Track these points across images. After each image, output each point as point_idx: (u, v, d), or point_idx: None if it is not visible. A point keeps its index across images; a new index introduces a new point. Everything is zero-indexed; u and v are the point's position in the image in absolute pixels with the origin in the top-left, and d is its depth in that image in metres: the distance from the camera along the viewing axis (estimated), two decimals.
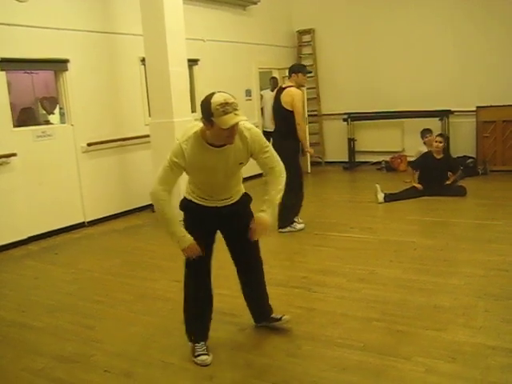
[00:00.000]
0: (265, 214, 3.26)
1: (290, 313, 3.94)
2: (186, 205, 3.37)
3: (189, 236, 3.18)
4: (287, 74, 6.52)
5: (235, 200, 3.37)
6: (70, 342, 3.80)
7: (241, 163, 3.18)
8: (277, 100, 6.25)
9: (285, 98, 6.09)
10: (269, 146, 3.25)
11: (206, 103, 2.87)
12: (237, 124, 2.92)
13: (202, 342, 3.43)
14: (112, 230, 7.07)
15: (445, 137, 8.05)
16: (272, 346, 3.57)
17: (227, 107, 2.82)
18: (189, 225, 3.33)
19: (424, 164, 7.96)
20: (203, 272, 3.41)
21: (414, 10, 10.35)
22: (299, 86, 6.25)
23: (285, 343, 3.57)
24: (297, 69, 6.31)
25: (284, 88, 6.19)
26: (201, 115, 2.95)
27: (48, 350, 3.69)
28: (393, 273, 4.76)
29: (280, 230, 6.26)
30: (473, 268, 4.75)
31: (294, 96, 6.04)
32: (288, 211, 6.08)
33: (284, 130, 6.17)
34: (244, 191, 3.47)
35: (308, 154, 6.59)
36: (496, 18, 9.66)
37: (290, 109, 6.05)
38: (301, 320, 3.87)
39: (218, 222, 3.37)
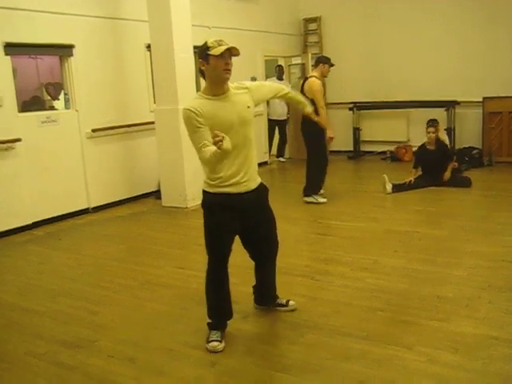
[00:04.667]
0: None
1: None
2: (209, 201, 3.32)
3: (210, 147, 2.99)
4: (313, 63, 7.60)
5: (255, 186, 3.38)
6: (73, 326, 3.82)
7: (248, 106, 3.30)
8: (302, 88, 7.06)
9: (306, 87, 6.96)
10: (267, 83, 3.79)
11: (203, 44, 3.17)
12: (230, 53, 3.13)
13: (218, 332, 3.44)
14: (116, 217, 7.08)
15: (436, 126, 7.95)
16: (274, 333, 3.59)
17: (221, 42, 3.13)
18: (212, 227, 3.34)
19: (421, 158, 7.92)
20: (227, 262, 3.45)
21: (422, 1, 10.25)
22: (323, 76, 7.17)
23: (287, 331, 3.57)
24: (324, 60, 7.20)
25: (307, 78, 7.14)
26: (198, 59, 3.20)
27: (51, 335, 3.71)
28: (397, 262, 4.76)
29: (305, 198, 7.21)
30: (477, 259, 4.74)
31: (311, 86, 6.87)
32: (313, 183, 7.20)
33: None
34: (261, 181, 3.48)
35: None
36: (503, 8, 9.56)
37: (311, 97, 6.53)
38: (303, 308, 3.87)
39: (241, 219, 3.34)
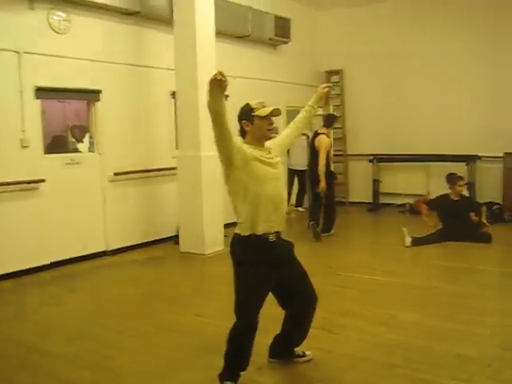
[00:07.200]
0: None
1: None
2: (246, 251, 3.31)
3: None
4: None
5: (281, 230, 3.44)
6: (88, 370, 3.79)
7: (277, 156, 3.48)
8: (312, 143, 8.14)
9: (317, 142, 7.99)
10: (280, 135, 3.80)
11: (246, 106, 3.38)
12: (273, 114, 3.34)
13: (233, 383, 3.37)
14: (134, 260, 7.09)
15: (464, 180, 8.22)
16: None
17: (263, 103, 3.38)
18: (250, 282, 3.30)
19: (442, 206, 7.89)
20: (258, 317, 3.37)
21: (442, 54, 10.39)
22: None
23: None
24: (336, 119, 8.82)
25: (318, 134, 8.05)
26: (240, 120, 3.38)
27: (65, 378, 3.67)
28: (415, 318, 4.67)
29: (323, 234, 8.08)
30: (499, 317, 4.64)
31: (322, 143, 7.93)
32: (331, 222, 8.30)
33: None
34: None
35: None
36: None
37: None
38: (320, 362, 3.80)
39: (276, 271, 3.36)
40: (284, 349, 3.77)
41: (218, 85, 2.97)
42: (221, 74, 2.97)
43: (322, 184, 7.77)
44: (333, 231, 8.37)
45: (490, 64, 9.96)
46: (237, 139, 3.29)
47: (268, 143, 3.49)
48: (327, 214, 8.33)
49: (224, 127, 3.14)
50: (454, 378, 3.50)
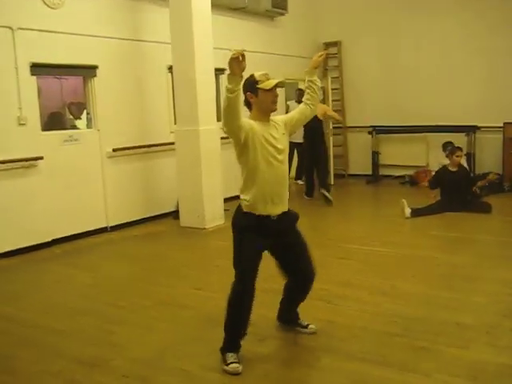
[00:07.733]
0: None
1: None
2: (245, 223, 3.35)
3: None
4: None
5: (286, 209, 3.46)
6: (90, 345, 3.83)
7: (283, 133, 3.46)
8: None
9: (321, 111, 8.30)
10: (290, 114, 3.73)
11: (250, 77, 3.34)
12: (277, 87, 3.32)
13: (235, 354, 3.41)
14: (134, 236, 7.11)
15: (462, 150, 8.13)
16: (291, 357, 3.55)
17: (268, 76, 3.34)
18: (245, 245, 3.34)
19: (441, 180, 7.88)
20: (254, 282, 3.40)
21: (440, 24, 10.29)
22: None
23: (304, 355, 3.55)
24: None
25: None
26: (245, 92, 3.33)
27: (68, 353, 3.71)
28: (415, 288, 4.70)
29: (325, 193, 8.48)
30: (498, 286, 4.66)
31: (323, 109, 8.66)
32: (327, 179, 9.00)
33: (320, 133, 8.87)
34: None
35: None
36: None
37: (323, 118, 8.71)
38: (320, 332, 3.83)
39: (275, 240, 3.42)
40: (285, 310, 3.87)
41: (237, 65, 2.97)
42: (239, 53, 2.95)
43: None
44: (331, 199, 8.42)
45: (491, 33, 9.82)
46: (245, 120, 3.27)
47: (276, 119, 3.47)
48: (322, 172, 8.83)
49: (235, 123, 3.17)
50: (452, 346, 3.54)
